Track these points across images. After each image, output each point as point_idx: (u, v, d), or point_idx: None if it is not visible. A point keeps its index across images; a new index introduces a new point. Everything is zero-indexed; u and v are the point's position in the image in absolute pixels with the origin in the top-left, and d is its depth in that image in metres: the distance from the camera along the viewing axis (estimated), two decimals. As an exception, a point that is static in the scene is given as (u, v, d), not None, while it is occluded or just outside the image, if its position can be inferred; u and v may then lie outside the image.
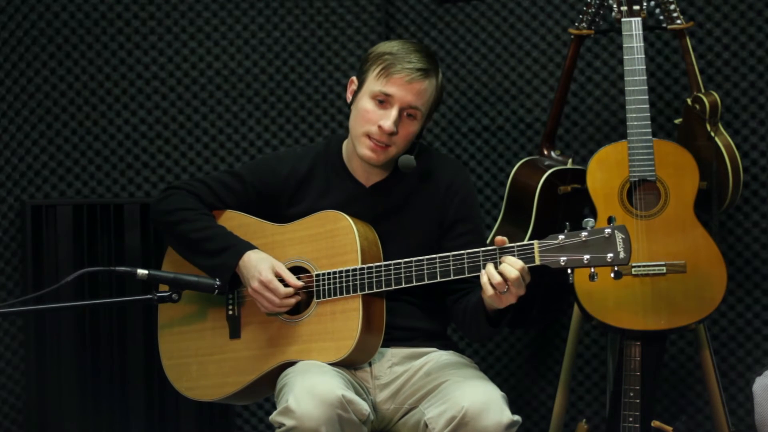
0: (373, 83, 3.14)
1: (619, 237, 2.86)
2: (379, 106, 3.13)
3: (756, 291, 4.01)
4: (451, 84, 4.21)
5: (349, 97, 3.24)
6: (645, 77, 3.56)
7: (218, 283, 3.12)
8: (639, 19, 3.58)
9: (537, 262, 2.90)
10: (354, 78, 3.23)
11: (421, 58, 3.14)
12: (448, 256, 3.01)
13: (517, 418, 2.96)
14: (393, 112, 3.11)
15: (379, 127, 3.12)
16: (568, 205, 3.82)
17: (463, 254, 2.99)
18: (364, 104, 3.15)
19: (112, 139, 4.14)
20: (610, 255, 2.86)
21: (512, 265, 2.88)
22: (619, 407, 3.59)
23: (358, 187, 3.24)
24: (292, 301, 3.14)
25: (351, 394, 2.94)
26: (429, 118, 3.22)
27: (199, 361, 3.30)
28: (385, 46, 3.18)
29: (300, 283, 3.15)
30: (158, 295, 3.08)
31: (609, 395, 3.88)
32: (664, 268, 3.54)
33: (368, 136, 3.14)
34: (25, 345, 4.03)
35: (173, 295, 3.08)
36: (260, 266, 3.14)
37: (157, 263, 3.41)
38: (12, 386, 4.03)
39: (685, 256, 3.55)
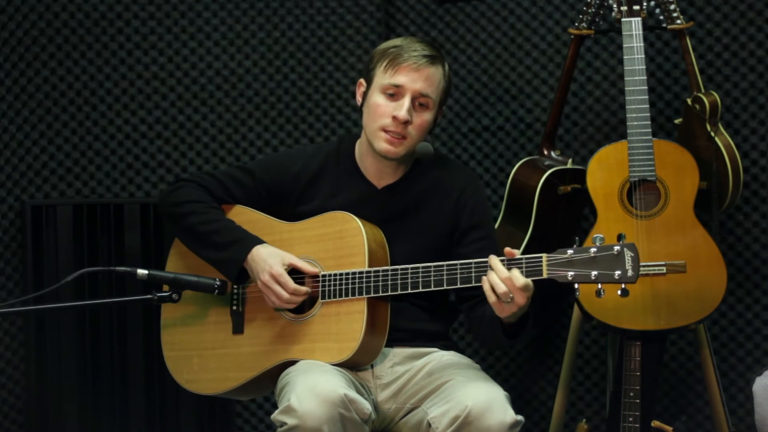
0: (382, 77, 3.15)
1: (628, 255, 2.85)
2: (391, 99, 3.14)
3: (756, 291, 4.01)
4: (451, 84, 4.20)
5: (359, 99, 3.24)
6: (645, 77, 3.56)
7: (218, 283, 3.12)
8: (639, 19, 3.58)
9: (545, 275, 2.89)
10: (362, 80, 3.24)
11: (425, 46, 3.17)
12: (456, 264, 3.00)
13: (520, 417, 2.96)
14: (405, 102, 3.12)
15: (394, 118, 3.12)
16: (568, 205, 3.82)
17: (470, 263, 2.98)
18: (375, 99, 3.16)
19: (112, 139, 4.14)
20: (618, 272, 2.85)
21: (516, 279, 2.88)
22: (619, 407, 3.59)
23: (370, 188, 3.24)
24: (300, 298, 3.14)
25: (353, 393, 2.94)
26: (441, 108, 3.22)
27: (200, 354, 3.30)
28: (389, 42, 3.21)
29: (314, 270, 3.13)
30: (158, 295, 3.08)
31: (609, 395, 3.88)
32: (664, 268, 3.54)
33: (384, 129, 3.14)
34: (25, 345, 4.03)
35: (173, 295, 3.08)
36: (270, 260, 3.13)
37: (157, 263, 3.42)
38: (12, 386, 4.02)
39: (685, 256, 3.55)
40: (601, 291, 2.87)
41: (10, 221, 4.03)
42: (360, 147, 3.26)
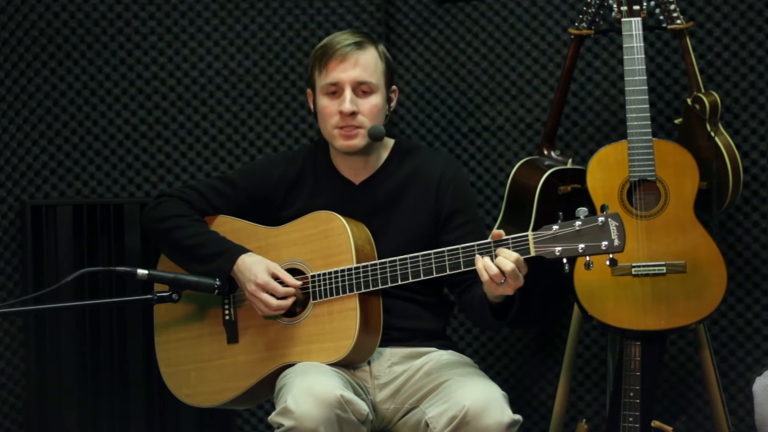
0: (319, 80, 3.20)
1: (612, 225, 2.88)
2: (334, 98, 3.17)
3: (756, 291, 4.01)
4: (451, 84, 4.21)
5: (312, 108, 3.29)
6: (645, 77, 3.56)
7: (218, 282, 3.12)
8: (639, 19, 3.58)
9: (532, 253, 2.91)
10: (309, 89, 3.29)
11: (350, 35, 3.20)
12: (443, 251, 3.02)
13: (517, 417, 2.96)
14: (347, 94, 3.15)
15: (340, 113, 3.14)
16: (568, 205, 3.80)
17: (458, 249, 3.00)
18: (321, 102, 3.20)
19: (112, 139, 4.14)
20: (604, 243, 2.87)
21: (507, 258, 2.89)
22: (619, 407, 3.59)
23: (348, 185, 3.25)
24: (289, 302, 3.14)
25: (350, 394, 2.94)
26: (390, 88, 3.24)
27: (197, 367, 3.30)
28: (318, 45, 3.25)
29: (298, 283, 3.15)
30: (158, 295, 3.08)
31: (609, 395, 3.88)
32: (664, 268, 3.54)
33: (337, 127, 3.17)
34: (25, 345, 4.03)
35: (173, 295, 3.08)
36: (255, 269, 3.14)
37: (156, 263, 3.41)
38: (12, 386, 4.02)
39: (685, 256, 3.55)
40: (590, 263, 2.90)
41: (10, 221, 4.03)
42: (331, 148, 3.29)
